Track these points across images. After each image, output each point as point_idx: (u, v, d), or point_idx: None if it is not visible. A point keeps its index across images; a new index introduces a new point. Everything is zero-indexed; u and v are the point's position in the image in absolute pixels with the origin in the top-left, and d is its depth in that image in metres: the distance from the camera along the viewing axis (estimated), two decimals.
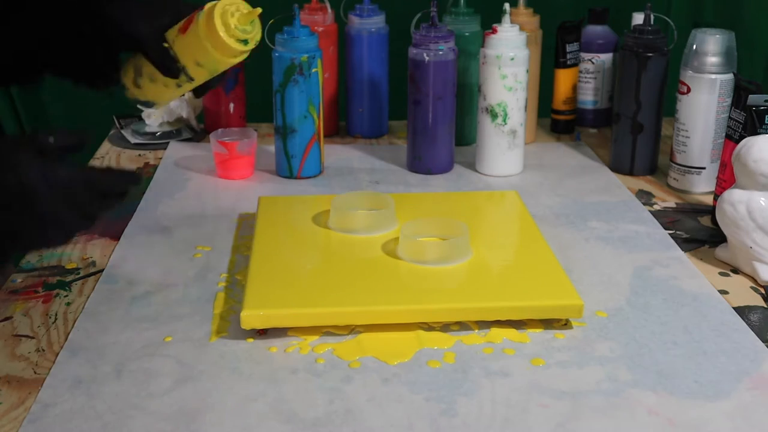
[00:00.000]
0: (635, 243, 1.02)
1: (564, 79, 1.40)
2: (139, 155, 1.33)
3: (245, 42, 0.88)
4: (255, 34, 0.88)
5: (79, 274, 0.94)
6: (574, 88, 1.41)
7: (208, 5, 0.86)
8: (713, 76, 1.12)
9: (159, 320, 0.85)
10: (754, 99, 1.00)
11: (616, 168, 1.25)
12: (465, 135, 1.34)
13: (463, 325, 0.83)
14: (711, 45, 1.12)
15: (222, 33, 0.86)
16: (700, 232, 1.05)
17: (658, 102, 1.20)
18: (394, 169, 1.26)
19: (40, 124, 1.73)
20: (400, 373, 0.76)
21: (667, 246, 1.01)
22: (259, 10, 0.87)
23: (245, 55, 0.90)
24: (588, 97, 1.42)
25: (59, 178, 0.70)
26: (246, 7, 0.87)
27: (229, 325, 0.83)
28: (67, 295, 0.90)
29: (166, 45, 0.89)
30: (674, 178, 1.19)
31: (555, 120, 1.43)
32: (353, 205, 1.01)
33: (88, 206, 0.73)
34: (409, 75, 1.21)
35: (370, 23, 1.34)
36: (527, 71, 1.19)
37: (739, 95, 1.03)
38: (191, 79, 0.91)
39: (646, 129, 1.21)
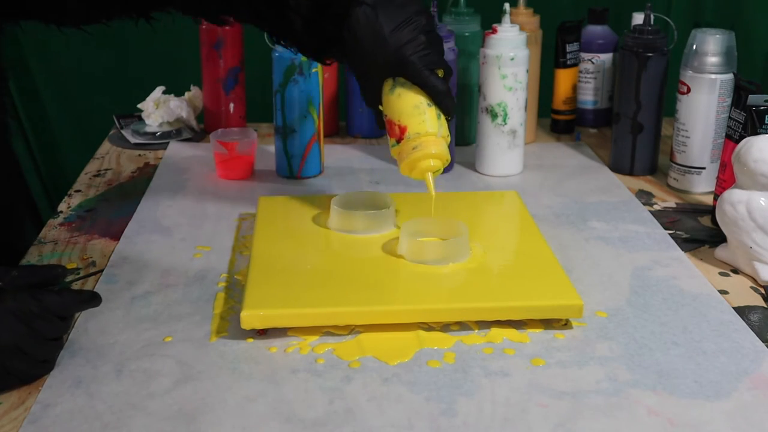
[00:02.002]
0: (635, 243, 1.02)
1: (564, 79, 1.40)
2: (139, 155, 1.33)
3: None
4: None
5: (79, 274, 0.94)
6: (574, 88, 1.41)
7: (417, 157, 0.91)
8: (713, 76, 1.12)
9: (159, 320, 0.85)
10: (754, 99, 1.00)
11: (616, 168, 1.25)
12: (465, 135, 1.34)
13: (463, 325, 0.83)
14: (711, 45, 1.12)
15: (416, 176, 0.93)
16: (700, 232, 1.05)
17: (658, 102, 1.20)
18: (394, 169, 1.25)
19: (41, 125, 1.73)
20: (400, 373, 0.76)
21: (667, 246, 1.01)
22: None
23: None
24: (588, 97, 1.42)
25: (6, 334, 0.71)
26: (442, 163, 0.93)
27: (229, 325, 0.83)
28: None
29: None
30: (674, 178, 1.19)
31: (555, 120, 1.43)
32: (353, 205, 1.01)
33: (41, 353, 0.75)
34: None
35: None
36: (527, 71, 1.19)
37: (739, 95, 1.03)
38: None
39: (646, 129, 1.21)
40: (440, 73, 0.90)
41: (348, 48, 0.91)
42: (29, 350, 0.73)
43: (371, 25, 0.88)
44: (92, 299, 0.78)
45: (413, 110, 0.90)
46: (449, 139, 0.93)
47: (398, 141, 0.91)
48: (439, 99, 0.90)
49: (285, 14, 0.92)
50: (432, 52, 0.89)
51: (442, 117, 0.92)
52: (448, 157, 0.92)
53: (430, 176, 0.92)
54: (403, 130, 0.90)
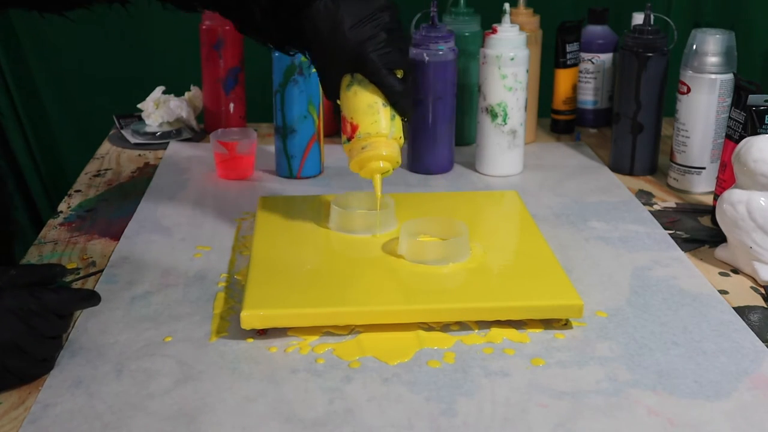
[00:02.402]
0: (635, 243, 1.02)
1: (564, 79, 1.40)
2: (139, 155, 1.33)
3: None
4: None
5: (79, 274, 0.94)
6: (574, 88, 1.41)
7: (365, 157, 0.90)
8: (713, 76, 1.12)
9: (159, 320, 0.85)
10: (754, 99, 1.00)
11: (616, 168, 1.25)
12: (465, 135, 1.34)
13: (463, 325, 0.83)
14: (711, 45, 1.12)
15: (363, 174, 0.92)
16: (700, 232, 1.05)
17: (658, 102, 1.20)
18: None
19: (41, 125, 1.73)
20: (400, 373, 0.76)
21: (667, 246, 1.01)
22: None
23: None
24: (588, 97, 1.42)
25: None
26: (392, 165, 0.92)
27: (229, 325, 0.83)
28: None
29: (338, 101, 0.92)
30: (674, 178, 1.19)
31: (555, 120, 1.43)
32: (353, 205, 1.01)
33: (40, 352, 0.75)
34: None
35: None
36: (527, 71, 1.19)
37: (739, 95, 1.03)
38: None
39: (646, 129, 1.21)
40: (399, 73, 0.89)
41: (308, 40, 0.89)
42: (28, 348, 0.73)
43: (331, 18, 0.86)
44: (91, 298, 0.78)
45: (367, 109, 0.89)
46: (402, 141, 0.92)
47: (349, 139, 0.91)
48: (395, 99, 0.89)
49: (244, 3, 0.90)
50: (393, 50, 0.87)
51: (397, 118, 0.90)
52: (399, 159, 0.91)
53: (378, 177, 0.92)
54: (354, 128, 0.89)
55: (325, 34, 0.87)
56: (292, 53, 0.96)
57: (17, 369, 0.73)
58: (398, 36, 0.88)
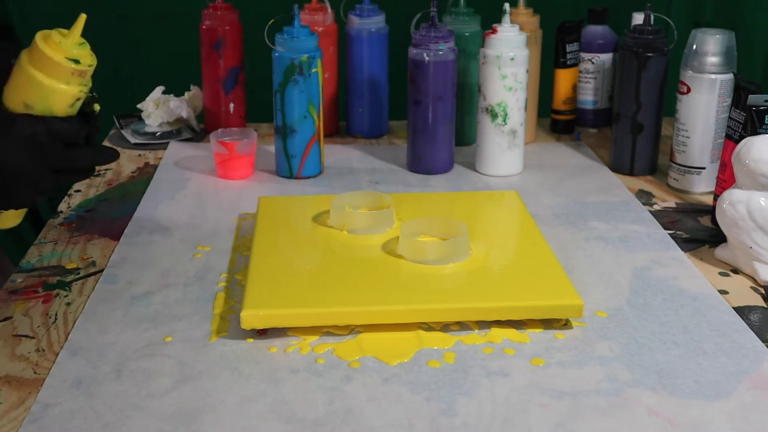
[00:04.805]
0: (635, 243, 1.02)
1: (564, 79, 1.40)
2: (139, 155, 1.33)
3: (76, 61, 0.86)
4: (86, 56, 0.87)
5: (79, 274, 0.94)
6: (574, 88, 1.41)
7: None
8: (713, 76, 1.12)
9: (159, 320, 0.85)
10: (754, 99, 1.00)
11: (616, 168, 1.25)
12: (465, 135, 1.34)
13: (463, 325, 0.83)
14: (711, 45, 1.12)
15: (46, 50, 0.84)
16: (700, 232, 1.05)
17: (658, 102, 1.20)
18: (394, 169, 1.26)
19: None
20: (400, 373, 0.76)
21: (667, 246, 1.01)
22: (83, 17, 0.85)
23: (80, 86, 0.88)
24: (588, 97, 1.42)
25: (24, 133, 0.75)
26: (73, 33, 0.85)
27: (229, 325, 0.83)
28: (67, 295, 0.90)
29: None
30: (674, 178, 1.19)
31: (555, 120, 1.43)
32: (353, 205, 1.01)
33: (54, 160, 0.78)
34: (409, 75, 1.21)
35: (370, 23, 1.34)
36: (527, 71, 1.19)
37: (739, 95, 1.03)
38: None
39: (646, 129, 1.22)
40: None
41: None
42: (33, 178, 0.78)
43: None
44: (110, 152, 0.86)
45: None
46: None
47: None
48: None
49: None
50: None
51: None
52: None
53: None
54: None
55: None
56: None
57: (18, 192, 0.78)
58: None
